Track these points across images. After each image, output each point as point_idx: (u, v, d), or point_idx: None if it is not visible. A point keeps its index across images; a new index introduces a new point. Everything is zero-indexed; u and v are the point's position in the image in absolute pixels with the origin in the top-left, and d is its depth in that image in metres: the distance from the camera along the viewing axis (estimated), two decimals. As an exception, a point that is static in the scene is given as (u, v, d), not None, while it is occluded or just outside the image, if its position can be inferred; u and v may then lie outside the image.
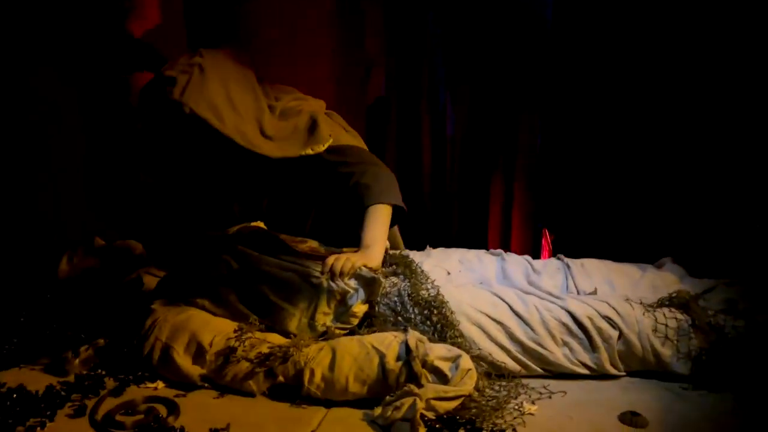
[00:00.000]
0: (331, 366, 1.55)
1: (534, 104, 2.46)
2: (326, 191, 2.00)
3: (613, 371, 1.68)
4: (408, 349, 1.53)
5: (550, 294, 1.77)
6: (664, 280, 1.90)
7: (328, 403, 1.56)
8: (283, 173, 1.97)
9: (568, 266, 1.97)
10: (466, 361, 1.52)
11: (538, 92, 2.45)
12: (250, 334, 1.65)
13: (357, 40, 2.62)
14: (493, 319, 1.69)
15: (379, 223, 1.85)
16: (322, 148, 1.86)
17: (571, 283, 1.91)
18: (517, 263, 1.96)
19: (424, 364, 1.50)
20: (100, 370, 1.69)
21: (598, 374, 1.68)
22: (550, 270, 1.97)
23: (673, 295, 1.74)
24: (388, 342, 1.57)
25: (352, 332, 1.71)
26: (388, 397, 1.47)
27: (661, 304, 1.72)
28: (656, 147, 2.34)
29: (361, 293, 1.71)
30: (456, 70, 2.54)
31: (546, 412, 1.51)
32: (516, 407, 1.51)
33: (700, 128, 2.26)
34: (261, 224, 2.02)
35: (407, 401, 1.42)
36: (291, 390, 1.59)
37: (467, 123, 2.56)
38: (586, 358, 1.67)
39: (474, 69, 2.50)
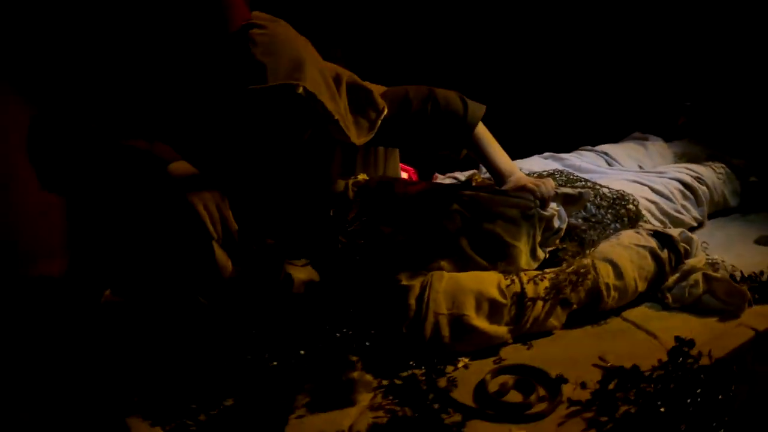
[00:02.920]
0: (618, 275, 1.59)
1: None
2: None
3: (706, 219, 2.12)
4: (661, 234, 1.68)
5: (654, 171, 2.09)
6: (661, 147, 2.41)
7: (617, 311, 1.62)
8: None
9: (606, 153, 2.30)
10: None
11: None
12: (522, 274, 1.54)
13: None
14: (648, 200, 1.93)
15: (497, 146, 1.79)
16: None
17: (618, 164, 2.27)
18: (598, 156, 2.21)
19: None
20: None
21: (700, 223, 2.10)
22: (596, 158, 2.27)
23: (708, 154, 2.25)
24: (643, 237, 1.68)
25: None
26: (671, 282, 1.63)
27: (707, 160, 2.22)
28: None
29: (562, 212, 1.73)
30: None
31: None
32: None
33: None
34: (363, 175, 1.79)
35: (696, 276, 1.61)
36: (580, 314, 1.58)
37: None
38: (696, 213, 2.07)
39: None
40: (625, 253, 1.63)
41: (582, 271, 1.55)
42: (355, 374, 1.30)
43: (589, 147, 2.36)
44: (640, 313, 1.62)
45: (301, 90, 1.35)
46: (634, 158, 2.31)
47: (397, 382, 1.35)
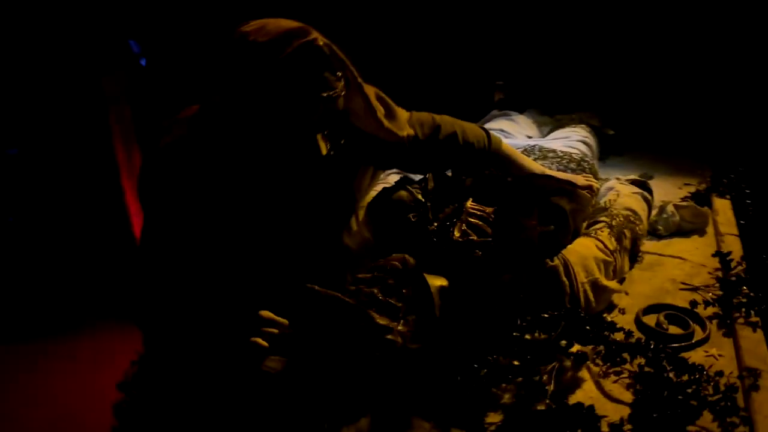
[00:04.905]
0: (639, 219, 1.92)
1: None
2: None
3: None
4: (638, 181, 2.10)
5: (561, 138, 2.51)
6: (524, 120, 2.85)
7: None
8: None
9: (502, 129, 2.65)
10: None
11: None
12: (597, 232, 1.79)
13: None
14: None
15: (520, 155, 1.90)
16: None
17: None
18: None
19: None
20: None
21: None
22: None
23: (558, 119, 2.76)
24: (629, 186, 2.06)
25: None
26: (654, 217, 2.06)
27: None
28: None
29: None
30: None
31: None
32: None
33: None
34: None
35: (670, 208, 2.08)
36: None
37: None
38: (595, 165, 2.56)
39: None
40: (633, 200, 1.99)
41: (631, 219, 1.85)
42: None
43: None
44: (650, 246, 2.00)
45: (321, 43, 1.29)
46: (518, 132, 2.68)
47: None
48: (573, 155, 2.22)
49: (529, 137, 2.67)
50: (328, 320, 1.21)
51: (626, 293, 1.72)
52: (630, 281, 1.80)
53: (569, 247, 1.67)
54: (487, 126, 2.67)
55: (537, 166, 1.86)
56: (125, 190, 2.52)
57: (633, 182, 2.11)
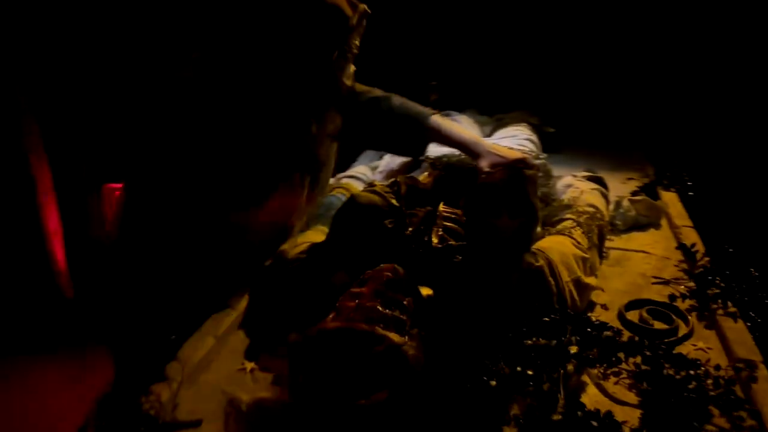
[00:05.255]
0: (602, 215, 1.92)
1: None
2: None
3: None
4: (593, 177, 2.10)
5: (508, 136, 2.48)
6: (466, 120, 2.81)
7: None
8: None
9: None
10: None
11: None
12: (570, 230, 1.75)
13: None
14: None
15: (455, 124, 2.00)
16: None
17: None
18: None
19: None
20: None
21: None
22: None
23: (513, 116, 2.75)
24: (586, 182, 2.05)
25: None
26: (612, 211, 2.07)
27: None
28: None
29: None
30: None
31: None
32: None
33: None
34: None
35: (625, 203, 2.10)
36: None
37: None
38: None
39: None
40: (594, 197, 1.98)
41: (597, 215, 1.83)
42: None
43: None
44: (611, 242, 1.99)
45: None
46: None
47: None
48: (526, 153, 2.19)
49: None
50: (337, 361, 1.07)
51: (602, 290, 1.69)
52: (602, 277, 1.77)
53: (548, 245, 1.62)
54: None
55: (469, 134, 1.93)
56: (42, 207, 2.23)
57: (589, 178, 2.10)
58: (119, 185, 2.04)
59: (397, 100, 1.91)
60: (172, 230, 1.56)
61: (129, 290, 1.38)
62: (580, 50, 3.01)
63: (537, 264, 1.51)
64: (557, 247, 1.62)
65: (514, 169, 1.66)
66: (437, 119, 1.93)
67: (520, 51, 3.11)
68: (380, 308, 1.14)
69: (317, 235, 1.73)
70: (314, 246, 1.63)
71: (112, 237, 1.76)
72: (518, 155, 1.85)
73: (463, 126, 2.69)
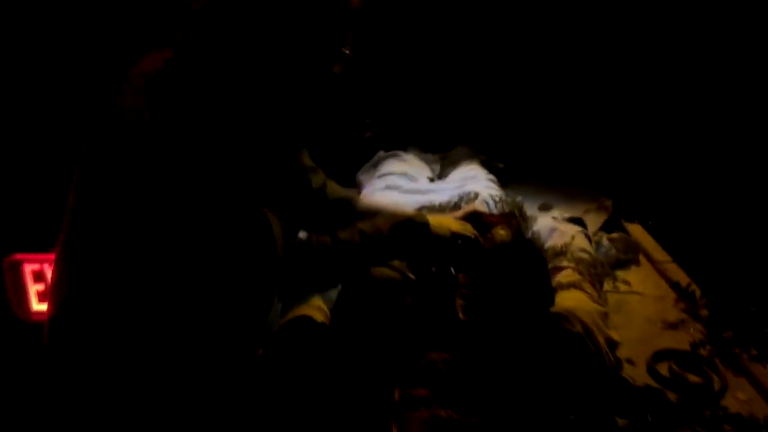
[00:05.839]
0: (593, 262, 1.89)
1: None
2: None
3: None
4: (574, 218, 2.07)
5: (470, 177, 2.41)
6: (414, 159, 2.71)
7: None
8: None
9: (405, 173, 2.49)
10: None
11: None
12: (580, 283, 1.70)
13: None
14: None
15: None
16: None
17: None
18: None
19: None
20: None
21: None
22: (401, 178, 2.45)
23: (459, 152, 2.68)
24: (570, 225, 2.01)
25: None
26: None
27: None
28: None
29: None
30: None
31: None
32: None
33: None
34: None
35: (605, 242, 2.08)
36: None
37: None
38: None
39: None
40: (582, 240, 1.93)
41: (594, 262, 1.79)
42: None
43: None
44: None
45: None
46: (418, 173, 2.53)
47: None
48: (500, 196, 2.13)
49: (431, 179, 2.54)
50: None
51: (621, 343, 1.63)
52: (611, 327, 1.72)
53: (572, 305, 1.54)
54: (383, 170, 2.50)
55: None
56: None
57: (570, 220, 2.06)
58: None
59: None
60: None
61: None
62: (518, 82, 3.01)
63: (575, 330, 1.42)
64: (581, 305, 1.55)
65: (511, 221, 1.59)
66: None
67: (457, 84, 3.07)
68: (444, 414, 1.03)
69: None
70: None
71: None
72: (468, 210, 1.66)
73: (414, 167, 2.59)
